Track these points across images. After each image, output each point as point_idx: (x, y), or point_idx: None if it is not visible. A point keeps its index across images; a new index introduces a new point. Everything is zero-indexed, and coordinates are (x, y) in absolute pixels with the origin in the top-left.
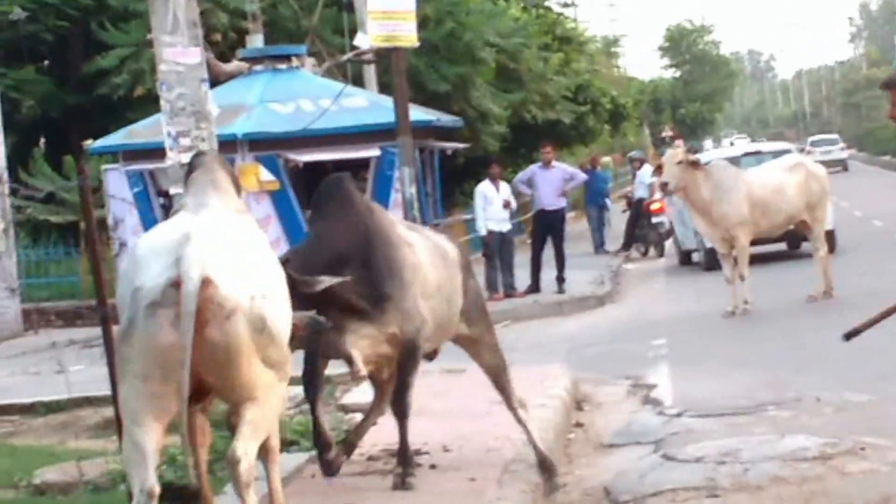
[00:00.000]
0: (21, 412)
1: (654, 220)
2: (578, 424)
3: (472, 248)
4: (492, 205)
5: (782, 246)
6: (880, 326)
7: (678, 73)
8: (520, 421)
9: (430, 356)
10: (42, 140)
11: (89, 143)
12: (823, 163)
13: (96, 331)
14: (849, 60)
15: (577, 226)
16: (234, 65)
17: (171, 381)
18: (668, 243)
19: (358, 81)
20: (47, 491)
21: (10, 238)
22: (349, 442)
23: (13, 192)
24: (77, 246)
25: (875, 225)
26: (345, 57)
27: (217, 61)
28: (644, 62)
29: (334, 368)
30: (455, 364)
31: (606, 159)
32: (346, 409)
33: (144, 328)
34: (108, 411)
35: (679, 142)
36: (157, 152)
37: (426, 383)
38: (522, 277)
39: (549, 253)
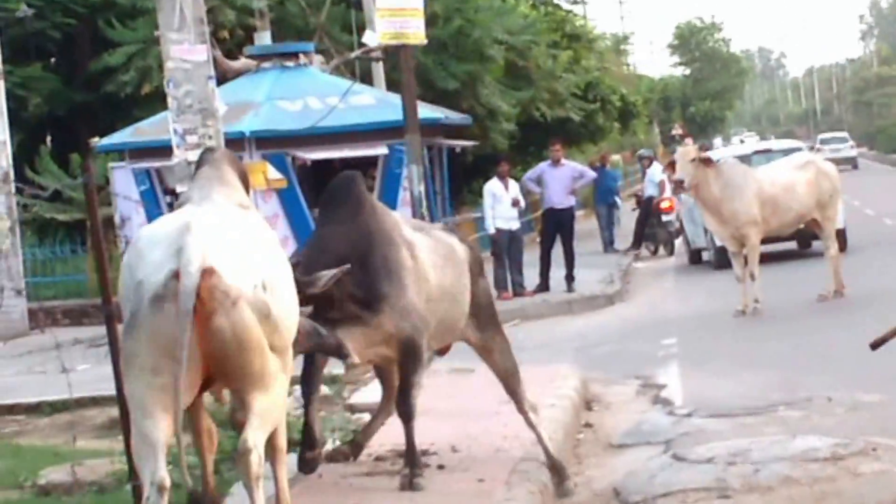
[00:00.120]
0: (27, 412)
1: (664, 218)
2: (588, 424)
3: (480, 246)
4: (501, 203)
5: (793, 245)
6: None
7: (688, 71)
8: (531, 425)
9: (441, 352)
10: (49, 138)
11: (96, 141)
12: (833, 160)
13: (103, 330)
14: (859, 58)
15: (586, 224)
16: (241, 62)
17: (185, 373)
18: (678, 242)
19: (366, 79)
20: (52, 491)
21: (16, 236)
22: (357, 442)
23: (19, 191)
24: (84, 244)
25: (886, 223)
26: (353, 54)
27: (224, 59)
28: (654, 60)
29: (341, 368)
30: (463, 364)
31: (616, 157)
32: (353, 408)
33: (150, 322)
34: (114, 411)
35: (688, 140)
36: (163, 150)
37: (434, 383)
38: (531, 276)
39: (557, 251)
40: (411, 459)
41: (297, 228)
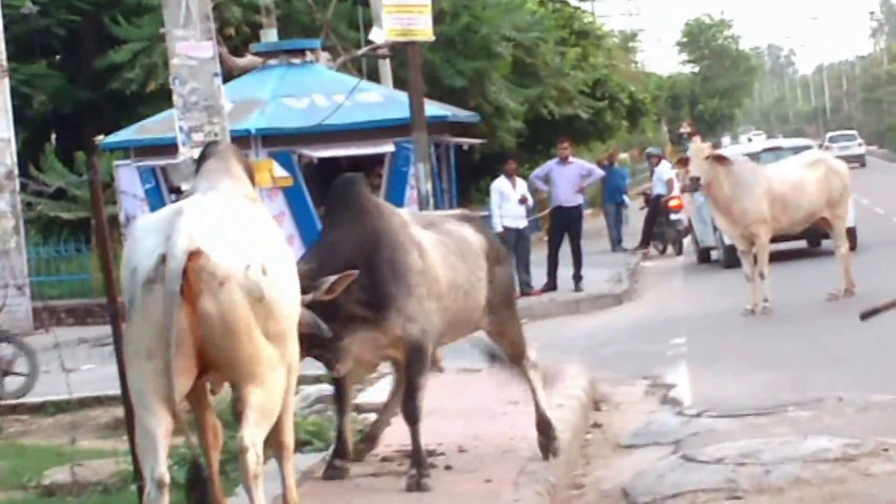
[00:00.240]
0: (30, 412)
1: (673, 217)
2: (596, 425)
3: None
4: (508, 201)
5: (802, 243)
6: None
7: (697, 69)
8: (528, 380)
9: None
10: (53, 135)
11: (101, 139)
12: (841, 158)
13: (107, 329)
14: (869, 55)
15: (594, 223)
16: (247, 59)
17: (175, 357)
18: (687, 241)
19: (373, 76)
20: (56, 492)
21: (20, 235)
22: (371, 436)
23: (23, 187)
24: (88, 243)
25: None
26: (359, 51)
27: (230, 56)
28: (662, 57)
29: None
30: (470, 364)
31: (624, 156)
32: (360, 408)
33: (142, 305)
34: (118, 411)
35: (696, 138)
36: (168, 148)
37: (441, 383)
38: (538, 275)
39: (565, 250)
40: (417, 460)
41: (302, 227)
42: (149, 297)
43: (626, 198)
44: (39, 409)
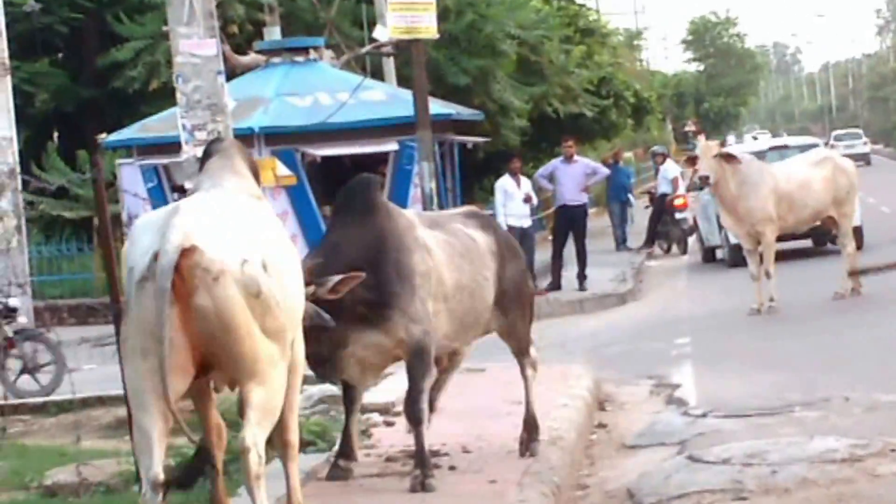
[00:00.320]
0: (32, 412)
1: (678, 216)
2: (601, 425)
3: None
4: (512, 200)
5: (808, 242)
6: None
7: (702, 67)
8: (524, 377)
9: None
10: (56, 134)
11: (103, 138)
12: (846, 157)
13: (109, 328)
14: (876, 53)
15: (598, 222)
16: (250, 57)
17: (168, 355)
18: (692, 240)
19: (377, 74)
20: (58, 492)
21: (22, 234)
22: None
23: (24, 185)
24: (90, 242)
25: None
26: (363, 49)
27: (233, 54)
28: (667, 55)
29: None
30: (475, 363)
31: (628, 154)
32: (363, 409)
33: (136, 304)
34: (121, 411)
35: (701, 137)
36: (171, 147)
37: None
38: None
39: (569, 250)
40: (421, 461)
41: (306, 226)
42: (142, 295)
43: (630, 196)
44: (41, 409)
